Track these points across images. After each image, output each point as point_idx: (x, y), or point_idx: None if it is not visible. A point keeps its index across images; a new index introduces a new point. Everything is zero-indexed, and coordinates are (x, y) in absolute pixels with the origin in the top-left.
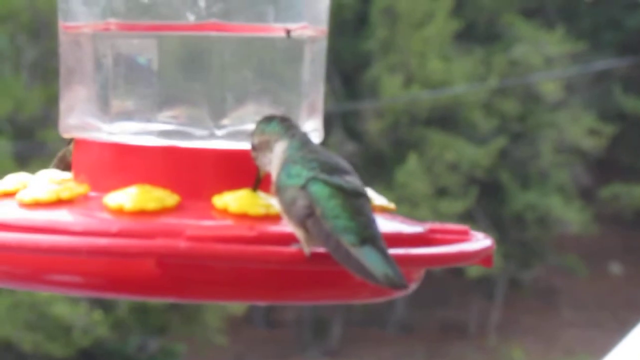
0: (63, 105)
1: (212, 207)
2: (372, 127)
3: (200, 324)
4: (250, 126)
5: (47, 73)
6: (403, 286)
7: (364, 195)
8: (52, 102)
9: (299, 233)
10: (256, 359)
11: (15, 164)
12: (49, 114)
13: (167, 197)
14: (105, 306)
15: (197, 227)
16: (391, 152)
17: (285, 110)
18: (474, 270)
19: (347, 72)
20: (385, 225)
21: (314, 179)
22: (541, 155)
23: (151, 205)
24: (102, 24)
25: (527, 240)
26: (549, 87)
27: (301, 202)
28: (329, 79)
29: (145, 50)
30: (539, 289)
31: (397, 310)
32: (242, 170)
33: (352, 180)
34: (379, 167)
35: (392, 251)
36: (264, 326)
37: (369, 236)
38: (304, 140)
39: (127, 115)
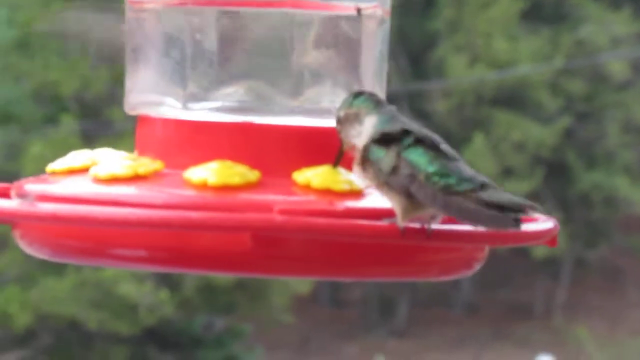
0: (130, 83)
1: (293, 183)
2: (439, 107)
3: (266, 303)
4: (326, 103)
5: (113, 52)
6: (533, 208)
7: (460, 159)
8: (118, 81)
9: (397, 203)
10: (322, 338)
11: (82, 142)
12: (115, 93)
13: (249, 173)
14: (172, 285)
15: (287, 202)
16: (457, 132)
17: (358, 88)
18: (540, 251)
19: (414, 52)
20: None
21: (409, 145)
22: (607, 135)
23: (235, 180)
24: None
25: (593, 221)
26: (616, 67)
27: (402, 171)
28: (395, 58)
29: (220, 26)
30: (605, 270)
31: (462, 290)
32: (319, 147)
33: (446, 147)
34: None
35: (457, 228)
36: (329, 305)
37: (483, 182)
38: (393, 114)
39: (202, 92)
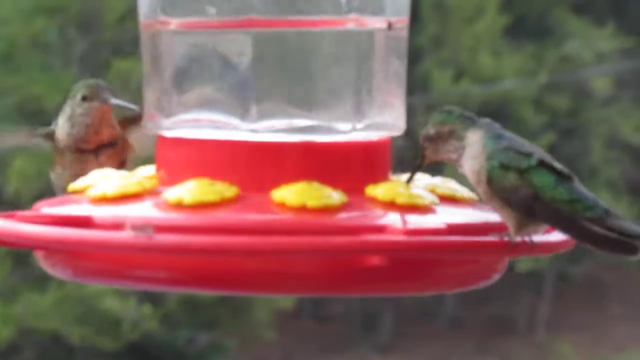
0: (159, 105)
1: (373, 199)
2: (423, 120)
3: (249, 318)
4: (376, 118)
5: (96, 66)
6: None
7: (574, 178)
8: None
9: (512, 218)
10: (305, 353)
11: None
12: None
13: (331, 194)
14: (155, 300)
15: (398, 222)
16: None
17: (381, 103)
18: (523, 265)
19: None
20: (475, 215)
21: (533, 167)
22: (591, 151)
23: (319, 202)
24: (196, 21)
25: None
26: (600, 82)
27: (524, 190)
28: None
29: (253, 48)
30: (588, 284)
31: (446, 305)
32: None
33: (561, 166)
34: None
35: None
36: (313, 320)
37: (606, 208)
38: (496, 129)
39: (269, 114)
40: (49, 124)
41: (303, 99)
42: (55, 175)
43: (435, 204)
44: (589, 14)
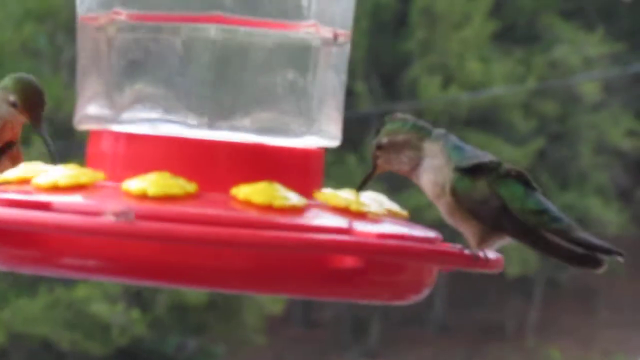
0: (81, 99)
1: (327, 205)
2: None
3: (238, 323)
4: (279, 124)
5: None
6: (620, 254)
7: (538, 190)
8: None
9: (476, 230)
10: (294, 358)
11: (53, 163)
12: None
13: (294, 195)
14: (143, 305)
15: (364, 225)
16: None
17: (324, 112)
18: (512, 270)
19: (386, 73)
20: (398, 228)
21: (501, 178)
22: (580, 157)
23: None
24: (127, 14)
25: None
26: (588, 88)
27: (494, 202)
28: (367, 79)
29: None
30: (577, 290)
31: (435, 310)
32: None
33: (528, 177)
34: None
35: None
36: (302, 326)
37: (570, 221)
38: (455, 140)
39: (217, 113)
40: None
41: (251, 100)
42: None
43: (384, 214)
44: (578, 19)
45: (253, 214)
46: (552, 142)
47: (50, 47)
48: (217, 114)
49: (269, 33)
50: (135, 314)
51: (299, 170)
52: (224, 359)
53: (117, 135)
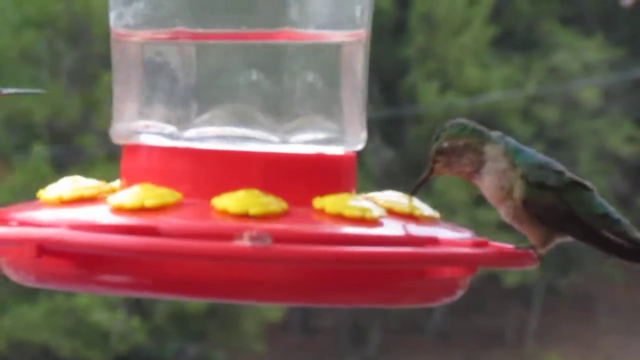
0: (117, 112)
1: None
2: (410, 133)
3: (237, 330)
4: (313, 132)
5: (85, 79)
6: None
7: (594, 190)
8: (90, 108)
9: (540, 233)
10: None
11: (53, 169)
12: (88, 120)
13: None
14: (143, 312)
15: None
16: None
17: (347, 117)
18: (511, 278)
19: (386, 78)
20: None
21: (566, 185)
22: (579, 163)
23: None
24: (170, 32)
25: (564, 247)
26: (588, 94)
27: (562, 208)
28: (367, 85)
29: (211, 57)
30: (577, 296)
31: (434, 317)
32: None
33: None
34: (417, 174)
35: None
36: (301, 333)
37: (628, 222)
38: (515, 143)
39: (188, 121)
40: (37, 137)
41: (242, 109)
42: None
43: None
44: (577, 25)
45: (365, 230)
46: (552, 148)
47: (50, 54)
48: (205, 123)
49: (248, 44)
50: (135, 321)
51: (292, 176)
52: None
53: (125, 148)
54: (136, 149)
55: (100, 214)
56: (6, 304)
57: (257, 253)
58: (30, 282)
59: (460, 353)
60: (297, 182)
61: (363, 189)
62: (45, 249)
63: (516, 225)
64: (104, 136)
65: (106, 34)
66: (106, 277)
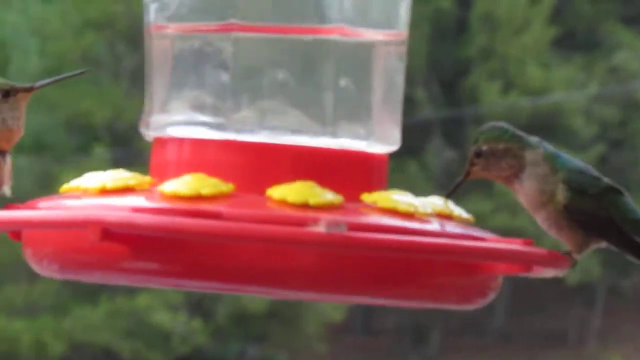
0: (154, 106)
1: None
2: (472, 134)
3: (299, 331)
4: (353, 129)
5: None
6: None
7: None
8: None
9: (579, 239)
10: None
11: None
12: None
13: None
14: (205, 314)
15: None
16: None
17: (385, 117)
18: (574, 278)
19: (447, 78)
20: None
21: (607, 189)
22: None
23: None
24: (222, 25)
25: None
26: None
27: (602, 214)
28: (428, 85)
29: (252, 51)
30: (639, 297)
31: (495, 318)
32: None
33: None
34: None
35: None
36: (362, 334)
37: None
38: (552, 148)
39: (226, 114)
40: (97, 138)
41: (286, 103)
42: None
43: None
44: (638, 25)
45: (423, 225)
46: (613, 147)
47: (110, 56)
48: (253, 117)
49: (298, 39)
50: (197, 323)
51: (340, 171)
52: None
53: (162, 141)
54: (175, 141)
55: (157, 201)
56: (67, 306)
57: (333, 239)
58: (52, 272)
59: (521, 354)
60: (340, 176)
61: (424, 188)
62: (109, 233)
63: (553, 232)
64: None
65: None
66: (162, 266)
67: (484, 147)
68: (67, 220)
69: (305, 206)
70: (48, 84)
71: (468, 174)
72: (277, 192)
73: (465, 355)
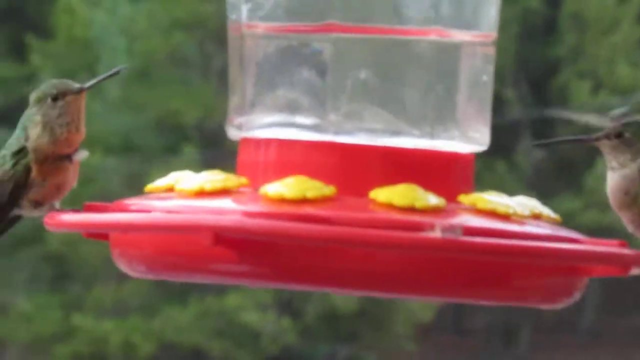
0: (245, 107)
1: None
2: (561, 133)
3: (388, 331)
4: (450, 131)
5: None
6: None
7: None
8: None
9: None
10: None
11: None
12: None
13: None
14: (294, 313)
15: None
16: (581, 157)
17: (475, 117)
18: None
19: (536, 78)
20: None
21: None
22: None
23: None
24: (320, 25)
25: None
26: None
27: None
28: (517, 85)
29: (322, 52)
30: None
31: (586, 316)
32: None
33: None
34: (568, 173)
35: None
36: (452, 333)
37: None
38: None
39: (351, 117)
40: (186, 138)
41: (384, 105)
42: (36, 189)
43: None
44: None
45: (523, 227)
46: None
47: (200, 56)
48: (346, 118)
49: (392, 39)
50: (286, 322)
51: (435, 172)
52: None
53: (255, 142)
54: (269, 142)
55: (261, 205)
56: (157, 307)
57: (449, 244)
58: (141, 272)
59: (612, 352)
60: (435, 177)
61: (514, 188)
62: (220, 237)
63: (638, 232)
64: None
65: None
66: (262, 267)
67: (627, 134)
68: (178, 224)
69: (411, 209)
70: (95, 84)
71: (596, 139)
72: (382, 194)
73: (555, 353)
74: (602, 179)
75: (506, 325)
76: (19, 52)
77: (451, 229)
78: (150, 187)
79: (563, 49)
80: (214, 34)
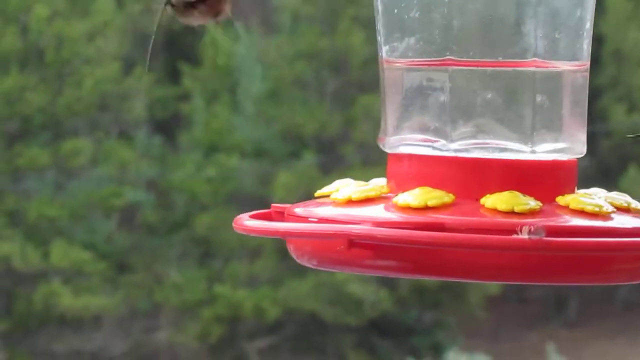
0: (392, 127)
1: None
2: (603, 145)
3: (465, 301)
4: (553, 149)
5: (345, 100)
6: None
7: None
8: (349, 124)
9: None
10: (509, 329)
11: (319, 173)
12: (347, 133)
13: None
14: (390, 286)
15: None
16: (616, 165)
17: (574, 131)
18: None
19: None
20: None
21: None
22: None
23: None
24: (440, 61)
25: None
26: None
27: None
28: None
29: (469, 82)
30: None
31: (622, 289)
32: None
33: None
34: (608, 178)
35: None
36: (515, 302)
37: None
38: None
39: (450, 134)
40: (306, 146)
41: (495, 125)
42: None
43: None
44: None
45: (607, 223)
46: None
47: (316, 81)
48: (463, 137)
49: (501, 71)
50: (383, 293)
51: (539, 179)
52: (453, 329)
53: (394, 157)
54: (405, 157)
55: (391, 213)
56: (282, 279)
57: (535, 245)
58: (311, 264)
59: None
60: (541, 183)
61: None
62: (354, 242)
63: None
64: (360, 146)
65: (362, 64)
66: (392, 263)
67: None
68: (319, 232)
69: (511, 213)
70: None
71: None
72: (489, 201)
73: (596, 319)
74: (634, 182)
75: (557, 296)
76: (174, 76)
77: (535, 231)
78: (318, 193)
79: (604, 78)
80: (328, 63)
